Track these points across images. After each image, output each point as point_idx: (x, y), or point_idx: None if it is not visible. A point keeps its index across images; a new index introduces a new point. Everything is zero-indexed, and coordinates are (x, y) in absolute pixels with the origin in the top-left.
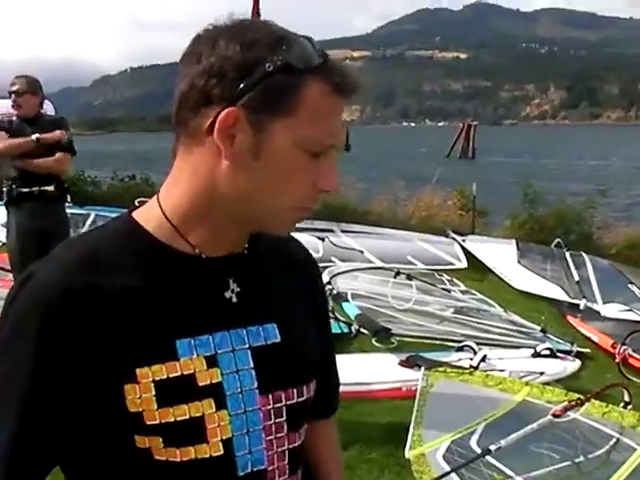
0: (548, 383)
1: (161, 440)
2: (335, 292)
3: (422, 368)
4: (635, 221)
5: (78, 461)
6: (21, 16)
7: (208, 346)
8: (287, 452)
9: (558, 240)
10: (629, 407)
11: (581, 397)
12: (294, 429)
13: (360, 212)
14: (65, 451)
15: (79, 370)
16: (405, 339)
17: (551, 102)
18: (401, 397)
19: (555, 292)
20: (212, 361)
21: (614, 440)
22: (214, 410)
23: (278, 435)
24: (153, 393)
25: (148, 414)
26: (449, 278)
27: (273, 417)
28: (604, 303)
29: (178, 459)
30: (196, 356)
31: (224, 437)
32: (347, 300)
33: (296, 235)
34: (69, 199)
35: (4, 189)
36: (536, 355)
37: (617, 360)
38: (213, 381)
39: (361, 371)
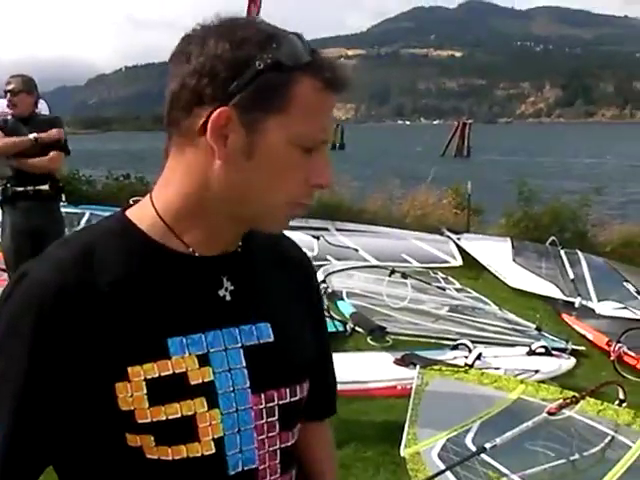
0: (543, 381)
1: (153, 439)
2: (330, 291)
3: (417, 366)
4: (630, 219)
5: (70, 460)
6: (17, 15)
7: (200, 345)
8: (279, 451)
9: (553, 238)
10: (624, 405)
11: (576, 395)
12: (286, 428)
13: (355, 210)
14: (58, 450)
15: (72, 368)
16: (400, 337)
17: (546, 100)
18: (396, 395)
19: (550, 290)
20: (204, 360)
21: (609, 438)
22: (206, 409)
23: (270, 434)
24: (145, 392)
25: (139, 412)
26: (444, 276)
27: (265, 416)
28: (599, 301)
29: (170, 458)
30: (188, 355)
31: (216, 436)
32: (342, 299)
33: (291, 234)
34: (64, 198)
35: None
36: (531, 353)
37: (612, 358)
38: (205, 380)
39: (356, 370)
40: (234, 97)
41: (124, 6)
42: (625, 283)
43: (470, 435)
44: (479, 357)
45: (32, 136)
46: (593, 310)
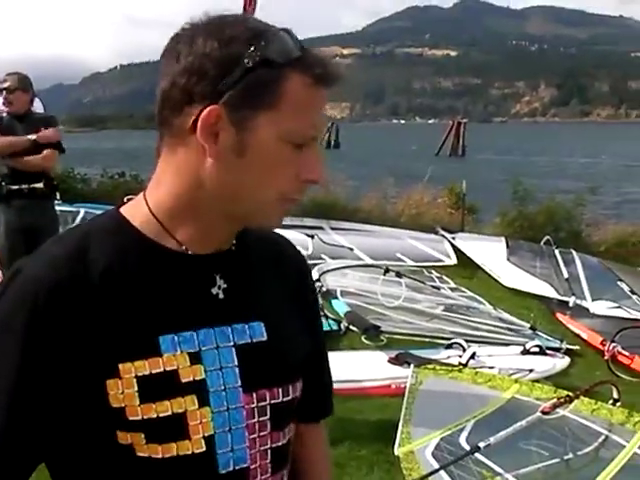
0: (537, 380)
1: (143, 436)
2: (324, 289)
3: (411, 365)
4: (624, 219)
5: (62, 457)
6: (12, 13)
7: (192, 343)
8: (270, 451)
9: (547, 237)
10: (618, 404)
11: (570, 394)
12: (278, 428)
13: (350, 210)
14: (50, 447)
15: (64, 364)
16: (394, 336)
17: (541, 100)
18: (390, 394)
19: (544, 289)
20: (196, 358)
21: (603, 437)
22: (197, 407)
23: (261, 434)
24: (135, 389)
25: (130, 410)
26: (439, 275)
27: (257, 415)
28: (593, 300)
29: (160, 456)
30: (180, 352)
31: (206, 434)
32: (336, 297)
33: (285, 232)
34: (58, 196)
35: None
36: (525, 352)
37: (606, 357)
38: (196, 378)
39: (350, 368)
40: (224, 95)
41: (120, 4)
42: (619, 282)
43: (464, 434)
44: (473, 356)
45: (31, 137)
46: (587, 309)
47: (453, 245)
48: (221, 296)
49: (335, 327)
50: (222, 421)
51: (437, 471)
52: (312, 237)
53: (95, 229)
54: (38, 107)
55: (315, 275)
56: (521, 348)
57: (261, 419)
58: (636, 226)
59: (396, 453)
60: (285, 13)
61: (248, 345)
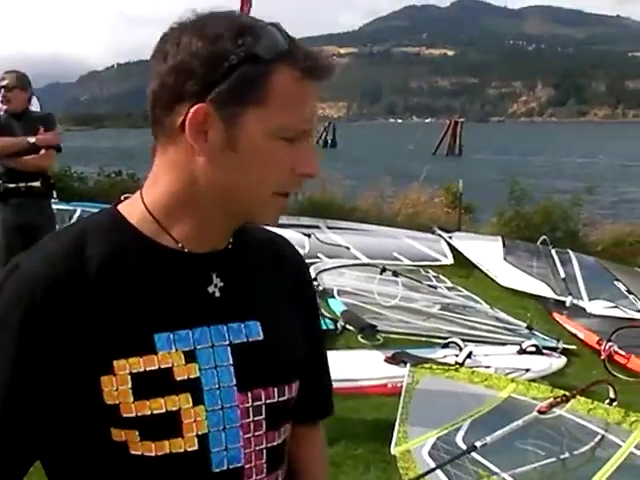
0: (534, 380)
1: (137, 433)
2: (321, 288)
3: (408, 365)
4: (621, 218)
5: (57, 454)
6: (9, 11)
7: (187, 341)
8: (265, 451)
9: (544, 237)
10: (614, 404)
11: (566, 394)
12: (274, 428)
13: (346, 209)
14: (46, 444)
15: (60, 360)
16: (391, 336)
17: (538, 99)
18: (387, 394)
19: (541, 289)
20: (191, 356)
21: (599, 437)
22: (191, 405)
23: (256, 433)
24: (130, 385)
25: (124, 407)
26: (435, 275)
27: (252, 415)
28: (590, 300)
29: (153, 453)
30: (175, 350)
31: (200, 433)
32: (333, 296)
33: (282, 231)
34: (55, 195)
35: None
36: (522, 352)
37: (603, 357)
38: (191, 376)
39: (347, 368)
40: (211, 92)
41: (116, 3)
42: (616, 282)
43: (460, 433)
44: (470, 355)
45: (30, 139)
46: (584, 309)
47: (450, 244)
48: (217, 294)
49: (331, 326)
50: (216, 420)
51: (433, 470)
52: (309, 236)
53: (92, 226)
54: (34, 105)
55: (312, 274)
56: (518, 347)
57: (256, 419)
58: (633, 226)
59: (392, 452)
60: (282, 12)
61: (244, 344)
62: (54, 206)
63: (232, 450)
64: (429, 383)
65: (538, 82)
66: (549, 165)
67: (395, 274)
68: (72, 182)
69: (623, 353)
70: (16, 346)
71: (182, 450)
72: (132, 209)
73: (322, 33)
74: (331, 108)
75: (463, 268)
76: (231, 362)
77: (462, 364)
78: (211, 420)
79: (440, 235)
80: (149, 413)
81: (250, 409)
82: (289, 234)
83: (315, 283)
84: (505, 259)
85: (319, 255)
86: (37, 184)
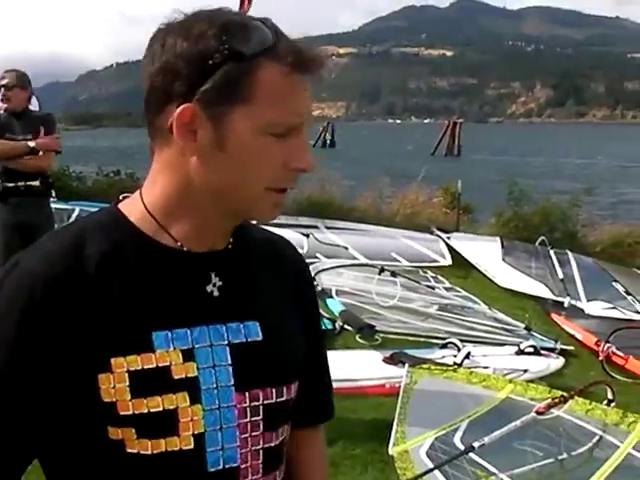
0: (532, 380)
1: (134, 431)
2: (319, 288)
3: (406, 365)
4: (620, 219)
5: (54, 453)
6: (8, 11)
7: (185, 340)
8: (262, 451)
9: (543, 238)
10: (612, 405)
11: (565, 394)
12: (271, 429)
13: (345, 209)
14: (43, 441)
15: (58, 357)
16: (389, 336)
17: (537, 100)
18: (385, 394)
19: (539, 290)
20: (189, 355)
21: (597, 437)
22: (188, 404)
23: (253, 434)
24: (127, 383)
25: (121, 404)
26: (433, 275)
27: (249, 415)
28: (588, 301)
29: (149, 452)
30: (173, 349)
31: (196, 432)
32: (331, 296)
33: (280, 231)
34: (54, 194)
35: None
36: (520, 352)
37: (601, 358)
38: (189, 375)
39: (345, 368)
40: (196, 92)
41: (116, 2)
42: (614, 283)
43: (458, 434)
44: (468, 356)
45: (30, 143)
46: (582, 310)
47: (448, 245)
48: (216, 294)
49: (330, 326)
50: (213, 419)
51: (431, 471)
52: (307, 236)
53: (92, 225)
54: (34, 105)
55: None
56: (516, 348)
57: (253, 419)
58: (632, 227)
59: (390, 452)
60: (282, 12)
61: (243, 344)
62: (52, 205)
63: (228, 450)
64: (427, 383)
65: (537, 83)
66: (548, 166)
67: (393, 274)
68: (71, 181)
69: (621, 354)
70: (14, 342)
71: (177, 449)
72: (132, 208)
73: (322, 33)
74: (330, 108)
75: (461, 269)
76: (229, 362)
77: (460, 364)
78: (208, 419)
79: (438, 235)
80: (146, 411)
81: (247, 409)
82: (288, 234)
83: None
84: (503, 260)
85: (317, 255)
86: (36, 183)
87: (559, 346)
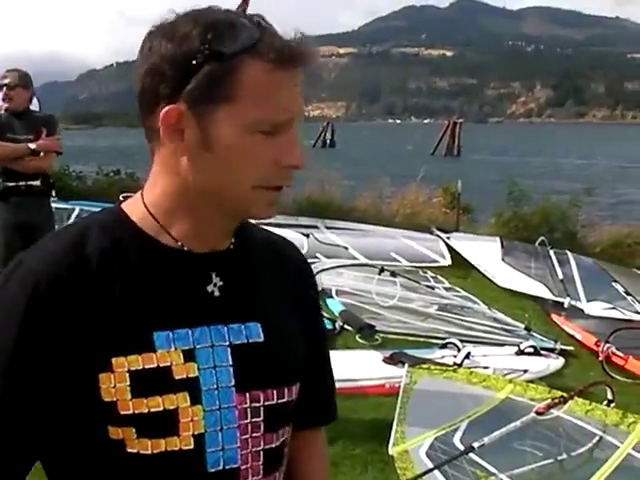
0: (532, 381)
1: (134, 431)
2: (319, 288)
3: (406, 365)
4: (619, 220)
5: (55, 453)
6: (8, 10)
7: (187, 340)
8: (262, 452)
9: (542, 238)
10: (612, 405)
11: (564, 395)
12: (272, 430)
13: (345, 209)
14: (45, 441)
15: (59, 355)
16: (389, 336)
17: (537, 100)
18: (385, 394)
19: (539, 290)
20: (190, 355)
21: (597, 438)
22: (188, 404)
23: (254, 435)
24: (127, 383)
25: (122, 404)
26: (433, 275)
27: (249, 416)
28: (588, 301)
29: (149, 451)
30: (174, 349)
31: (196, 432)
32: (331, 296)
33: (280, 231)
34: (54, 194)
35: None
36: (520, 353)
37: (600, 358)
38: (189, 375)
39: (345, 368)
40: (182, 93)
41: (116, 2)
42: (614, 283)
43: (458, 434)
44: (468, 356)
45: (31, 145)
46: (582, 310)
47: (448, 245)
48: (217, 294)
49: (330, 326)
50: (214, 420)
51: (431, 471)
52: (307, 236)
53: (94, 224)
54: (34, 105)
55: None
56: (515, 348)
57: (254, 420)
58: (631, 227)
59: (390, 452)
60: (282, 12)
61: (244, 345)
62: (53, 205)
63: (229, 451)
64: (427, 383)
65: (537, 83)
66: (547, 166)
67: (393, 274)
68: (71, 181)
69: (621, 354)
70: (18, 341)
71: (177, 449)
72: (134, 208)
73: (322, 33)
74: (330, 108)
75: (461, 269)
76: (230, 363)
77: (460, 365)
78: (208, 420)
79: (438, 235)
80: (146, 411)
81: (248, 410)
82: (288, 234)
83: None
84: (503, 260)
85: (317, 255)
86: (37, 183)
87: (559, 346)
